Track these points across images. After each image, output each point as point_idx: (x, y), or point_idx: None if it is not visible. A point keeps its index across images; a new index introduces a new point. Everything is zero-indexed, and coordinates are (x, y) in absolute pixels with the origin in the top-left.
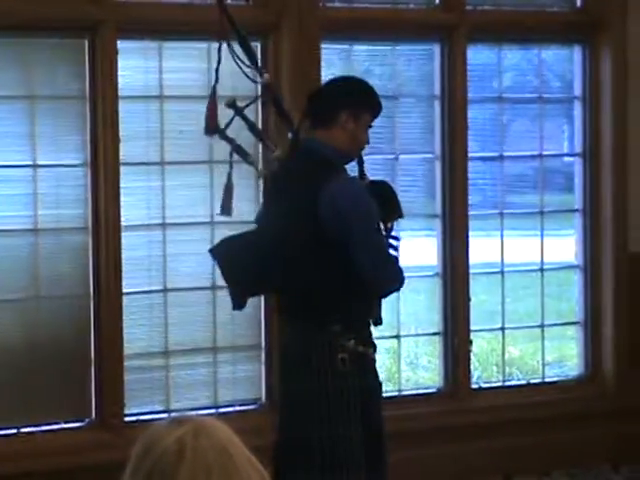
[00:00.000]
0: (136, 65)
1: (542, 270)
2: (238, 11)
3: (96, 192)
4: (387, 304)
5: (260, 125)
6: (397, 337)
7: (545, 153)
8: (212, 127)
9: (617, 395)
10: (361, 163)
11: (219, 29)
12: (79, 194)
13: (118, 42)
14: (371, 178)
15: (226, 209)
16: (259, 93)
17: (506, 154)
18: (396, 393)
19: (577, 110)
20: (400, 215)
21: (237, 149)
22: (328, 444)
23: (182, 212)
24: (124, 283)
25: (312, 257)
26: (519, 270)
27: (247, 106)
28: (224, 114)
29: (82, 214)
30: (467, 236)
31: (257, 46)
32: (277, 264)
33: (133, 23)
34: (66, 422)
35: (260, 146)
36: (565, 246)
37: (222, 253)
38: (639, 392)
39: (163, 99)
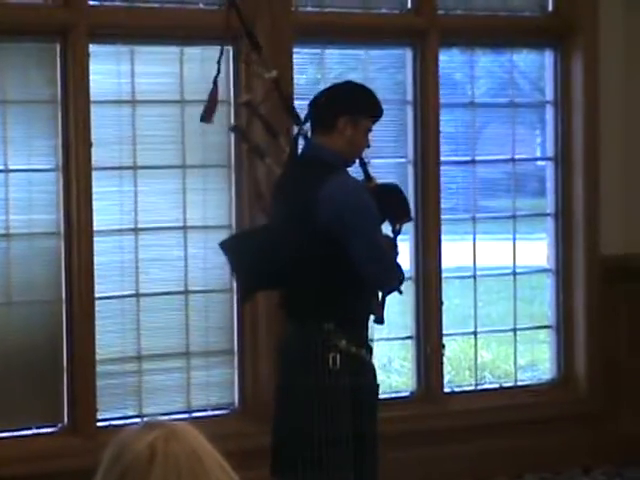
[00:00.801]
0: (108, 69)
1: (514, 274)
2: (211, 15)
3: (68, 197)
4: None
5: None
6: (370, 341)
7: (517, 157)
8: (208, 118)
9: (589, 398)
10: (364, 165)
11: (225, 24)
12: (51, 199)
13: (90, 46)
14: (379, 180)
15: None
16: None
17: (478, 158)
18: None
19: (549, 114)
20: (409, 217)
21: (255, 149)
22: (317, 442)
23: (154, 217)
24: (96, 288)
25: (310, 256)
26: (491, 274)
27: (261, 103)
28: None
29: (54, 219)
30: (439, 240)
31: (229, 49)
32: (278, 262)
33: (105, 27)
34: (38, 427)
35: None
36: (537, 250)
37: (231, 247)
38: (611, 395)
39: (135, 103)
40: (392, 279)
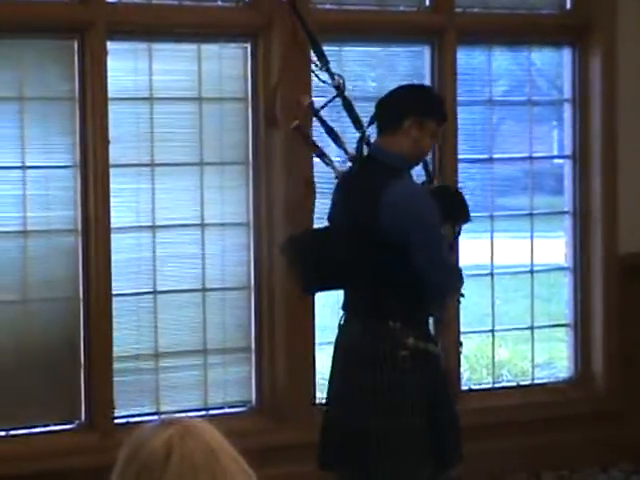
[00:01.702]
0: (126, 66)
1: (532, 272)
2: (228, 12)
3: (85, 194)
4: None
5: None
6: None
7: (535, 155)
8: (272, 122)
9: (606, 397)
10: (427, 167)
11: (290, 30)
12: (68, 196)
13: (108, 43)
14: (439, 183)
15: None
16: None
17: (496, 156)
18: None
19: (567, 112)
20: (468, 219)
21: (320, 154)
22: (386, 438)
23: (172, 214)
24: (113, 285)
25: (374, 257)
26: (509, 272)
27: (323, 107)
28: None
29: (71, 216)
30: None
31: (247, 47)
32: (340, 264)
33: (123, 24)
34: (56, 424)
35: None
36: (555, 248)
37: (292, 249)
38: (628, 394)
39: (153, 101)
40: (453, 285)
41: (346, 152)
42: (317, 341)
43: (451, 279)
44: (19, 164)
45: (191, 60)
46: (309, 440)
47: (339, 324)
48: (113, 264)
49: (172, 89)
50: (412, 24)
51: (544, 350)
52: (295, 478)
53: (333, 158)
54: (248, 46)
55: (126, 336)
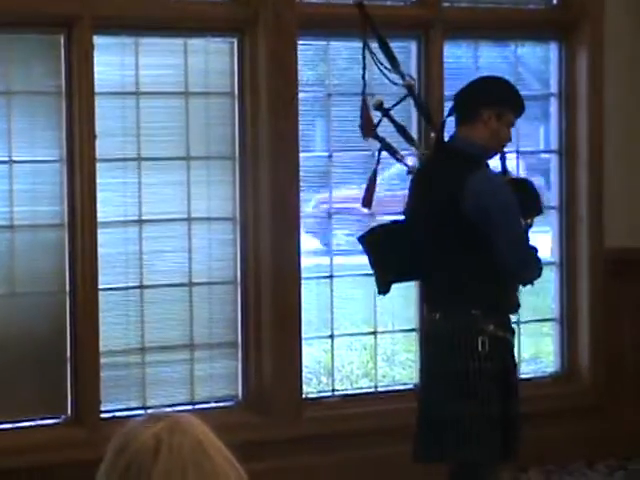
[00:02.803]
0: (112, 61)
1: None
2: (215, 7)
3: (72, 188)
4: (364, 300)
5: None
6: (374, 333)
7: (521, 150)
8: (368, 132)
9: (592, 392)
10: (504, 159)
11: (361, 31)
12: (55, 190)
13: (94, 38)
14: (513, 175)
15: (367, 203)
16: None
17: None
18: (373, 389)
19: (553, 107)
20: (540, 211)
21: (387, 147)
22: (468, 423)
23: (159, 209)
24: (100, 280)
25: (455, 247)
26: None
27: (393, 107)
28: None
29: (58, 210)
30: None
31: (233, 42)
32: (424, 253)
33: (109, 19)
34: (42, 419)
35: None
36: (541, 243)
37: (372, 241)
38: (614, 389)
39: (139, 95)
40: (533, 272)
41: (417, 148)
42: (303, 336)
43: (529, 267)
44: (6, 159)
45: (178, 55)
46: (296, 434)
47: (422, 315)
48: (100, 258)
49: (159, 84)
50: (398, 18)
51: (531, 345)
52: (282, 473)
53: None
54: (235, 41)
55: (113, 330)
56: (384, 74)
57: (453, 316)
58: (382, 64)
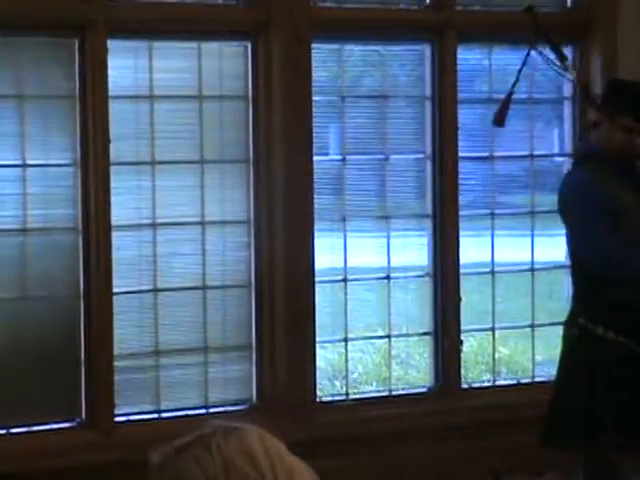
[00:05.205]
0: (126, 65)
1: (533, 270)
2: (229, 10)
3: (86, 192)
4: (378, 303)
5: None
6: (388, 337)
7: (536, 153)
8: (500, 121)
9: None
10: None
11: (530, 34)
12: (69, 194)
13: (108, 41)
14: None
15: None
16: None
17: (497, 154)
18: (387, 393)
19: (567, 110)
20: None
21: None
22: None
23: (173, 212)
24: (114, 283)
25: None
26: (510, 270)
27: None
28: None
29: (72, 214)
30: (458, 236)
31: (247, 45)
32: None
33: (123, 22)
34: (56, 422)
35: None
36: (556, 246)
37: None
38: None
39: (153, 99)
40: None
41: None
42: (317, 339)
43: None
44: (20, 162)
45: (191, 58)
46: (309, 438)
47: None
48: (114, 262)
49: (172, 87)
50: (413, 21)
51: (544, 348)
52: None
53: None
54: (249, 44)
55: (127, 334)
56: (555, 70)
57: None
58: (555, 64)
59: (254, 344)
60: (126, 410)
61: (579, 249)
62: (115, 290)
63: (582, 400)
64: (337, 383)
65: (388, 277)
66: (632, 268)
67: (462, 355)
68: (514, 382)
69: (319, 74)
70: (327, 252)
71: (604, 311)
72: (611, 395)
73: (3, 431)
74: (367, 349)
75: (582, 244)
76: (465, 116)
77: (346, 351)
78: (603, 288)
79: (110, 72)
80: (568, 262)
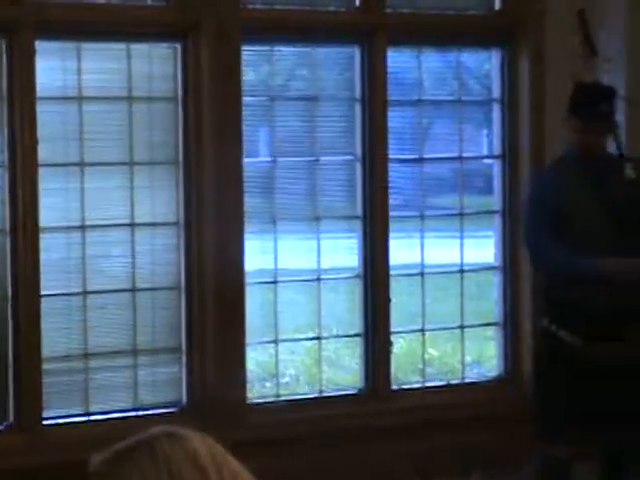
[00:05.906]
0: (55, 66)
1: (462, 271)
2: (158, 12)
3: (14, 194)
4: (308, 305)
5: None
6: (318, 338)
7: (464, 155)
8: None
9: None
10: None
11: (580, 36)
12: None
13: (36, 42)
14: None
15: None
16: None
17: (426, 156)
18: (317, 394)
19: (496, 112)
20: None
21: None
22: None
23: (102, 214)
24: (42, 285)
25: None
26: (439, 272)
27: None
28: None
29: None
30: (387, 238)
31: (177, 47)
32: None
33: (52, 23)
34: None
35: None
36: (484, 247)
37: None
38: None
39: (82, 100)
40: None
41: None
42: (248, 341)
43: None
44: None
45: (120, 59)
46: (240, 439)
47: None
48: (42, 264)
49: (101, 88)
50: (342, 24)
51: (474, 349)
52: None
53: None
54: (178, 46)
55: (55, 337)
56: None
57: None
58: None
59: (184, 346)
60: (55, 413)
61: (524, 243)
62: (43, 292)
63: (536, 396)
64: (267, 384)
65: (318, 279)
66: (555, 265)
67: (392, 356)
68: (444, 383)
69: (249, 76)
70: (257, 254)
71: (550, 306)
72: (554, 390)
73: None
74: (297, 350)
75: (524, 238)
76: (394, 119)
77: (276, 353)
78: (549, 284)
79: (38, 73)
80: (497, 263)
